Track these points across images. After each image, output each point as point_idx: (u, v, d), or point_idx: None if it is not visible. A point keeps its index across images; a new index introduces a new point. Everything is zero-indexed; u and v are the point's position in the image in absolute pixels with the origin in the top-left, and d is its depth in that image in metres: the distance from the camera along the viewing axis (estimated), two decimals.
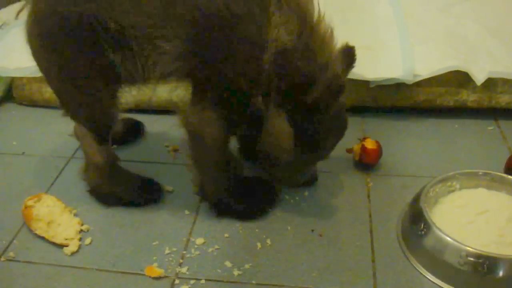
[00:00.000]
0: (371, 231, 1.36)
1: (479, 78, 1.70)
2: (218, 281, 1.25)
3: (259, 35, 1.19)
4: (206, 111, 1.29)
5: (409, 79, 1.71)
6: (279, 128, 1.30)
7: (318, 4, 1.24)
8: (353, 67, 1.32)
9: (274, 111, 1.29)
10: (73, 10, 1.22)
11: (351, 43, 1.30)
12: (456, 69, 1.71)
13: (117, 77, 1.31)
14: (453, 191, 1.40)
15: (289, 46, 1.19)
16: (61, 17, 1.24)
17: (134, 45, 1.25)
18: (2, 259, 1.34)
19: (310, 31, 1.21)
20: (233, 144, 1.55)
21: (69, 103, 1.39)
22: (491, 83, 1.73)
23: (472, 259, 1.18)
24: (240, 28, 1.19)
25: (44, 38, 1.29)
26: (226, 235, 1.37)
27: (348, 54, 1.29)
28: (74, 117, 1.42)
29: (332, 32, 1.25)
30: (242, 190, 1.43)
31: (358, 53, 1.31)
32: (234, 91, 1.26)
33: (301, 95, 1.21)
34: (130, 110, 1.81)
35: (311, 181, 1.49)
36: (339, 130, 1.32)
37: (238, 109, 1.32)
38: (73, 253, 1.34)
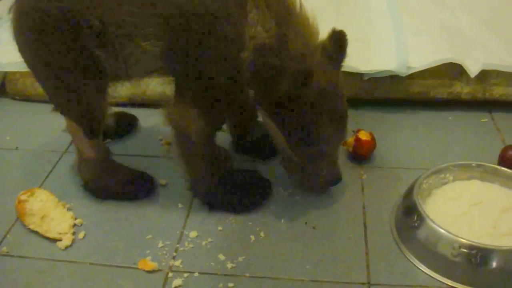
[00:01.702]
0: (364, 223, 1.37)
1: (473, 70, 1.70)
2: (211, 274, 1.25)
3: (237, 34, 1.19)
4: (189, 108, 1.29)
5: (403, 72, 1.71)
6: (268, 126, 1.31)
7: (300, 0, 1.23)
8: (344, 51, 1.26)
9: (259, 109, 1.30)
10: (55, 6, 1.22)
11: (338, 29, 1.25)
12: (450, 61, 1.71)
13: (103, 72, 1.31)
14: (446, 183, 1.40)
15: (266, 43, 1.19)
16: (43, 13, 1.23)
17: (116, 43, 1.25)
18: None
19: (287, 27, 1.20)
20: (226, 137, 1.56)
21: (57, 99, 1.39)
22: (485, 75, 1.73)
23: (465, 250, 1.18)
24: (217, 27, 1.18)
25: (28, 34, 1.29)
26: (219, 228, 1.37)
27: (337, 40, 1.24)
28: (63, 112, 1.42)
29: (312, 23, 1.23)
30: (235, 184, 1.43)
31: (352, 45, 1.29)
32: (214, 89, 1.26)
33: (271, 89, 1.20)
34: (123, 104, 1.83)
35: (334, 182, 1.41)
36: (333, 119, 1.27)
37: (220, 106, 1.32)
38: (66, 248, 1.34)
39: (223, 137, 1.48)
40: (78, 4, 1.21)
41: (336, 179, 1.39)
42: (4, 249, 1.35)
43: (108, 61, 1.28)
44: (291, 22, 1.20)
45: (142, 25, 1.21)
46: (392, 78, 1.75)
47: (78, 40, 1.24)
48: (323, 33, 1.26)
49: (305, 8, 1.23)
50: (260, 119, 1.52)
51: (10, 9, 1.31)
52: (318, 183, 1.39)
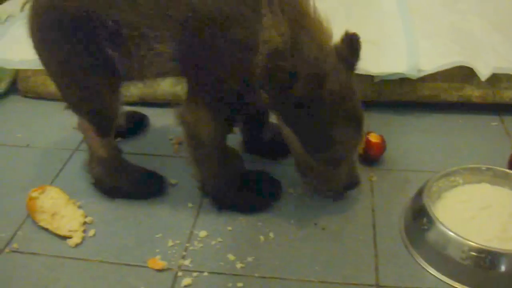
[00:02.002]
0: (374, 225, 1.37)
1: (484, 73, 1.70)
2: (220, 273, 1.26)
3: (250, 37, 1.18)
4: (201, 110, 1.29)
5: (414, 74, 1.71)
6: (284, 132, 1.30)
7: (313, 3, 1.22)
8: (358, 54, 1.26)
9: (275, 114, 1.30)
10: (71, 5, 1.23)
11: (351, 31, 1.25)
12: (460, 64, 1.71)
13: (116, 72, 1.32)
14: (456, 186, 1.40)
15: (280, 47, 1.18)
16: (59, 11, 1.24)
17: (130, 44, 1.25)
18: (6, 250, 1.35)
19: (301, 30, 1.19)
20: (237, 137, 1.56)
21: (70, 97, 1.40)
22: (495, 79, 1.73)
23: (474, 254, 1.18)
24: (230, 30, 1.18)
25: (43, 32, 1.30)
26: (229, 228, 1.37)
27: (350, 43, 1.25)
28: (76, 111, 1.43)
29: (326, 27, 1.23)
30: (245, 184, 1.43)
31: (363, 47, 1.29)
32: (226, 92, 1.26)
33: (286, 94, 1.18)
34: (134, 103, 1.83)
35: (353, 186, 1.39)
36: (349, 122, 1.24)
37: (232, 108, 1.32)
38: (77, 245, 1.35)
39: (234, 137, 1.48)
40: (93, 4, 1.22)
41: (355, 183, 1.38)
42: (15, 245, 1.36)
43: (121, 61, 1.29)
44: (305, 26, 1.20)
45: (156, 27, 1.21)
46: (403, 81, 1.75)
47: (93, 40, 1.25)
48: (335, 35, 1.26)
49: (318, 11, 1.23)
50: (271, 120, 1.54)
51: (22, 8, 1.32)
52: (336, 188, 1.37)
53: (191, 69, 1.26)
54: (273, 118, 1.53)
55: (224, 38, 1.18)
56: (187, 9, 1.18)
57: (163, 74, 1.35)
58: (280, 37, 1.18)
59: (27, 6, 1.34)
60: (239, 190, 1.41)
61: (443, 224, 1.24)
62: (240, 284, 1.23)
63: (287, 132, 1.29)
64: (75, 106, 1.41)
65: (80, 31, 1.25)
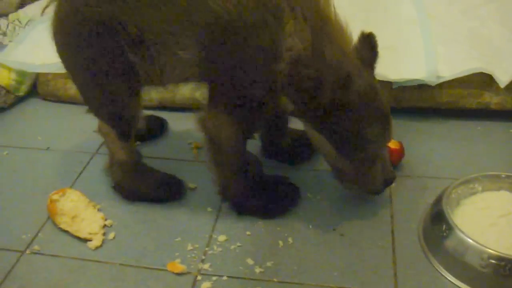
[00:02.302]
0: (392, 232, 1.37)
1: (503, 80, 1.70)
2: (240, 278, 1.26)
3: (273, 44, 1.19)
4: (222, 116, 1.30)
5: (432, 80, 1.71)
6: (315, 139, 1.32)
7: (334, 7, 1.23)
8: (376, 52, 1.28)
9: (303, 122, 1.32)
10: (95, 11, 1.24)
11: (367, 31, 1.27)
12: (479, 71, 1.71)
13: (137, 77, 1.33)
14: (475, 193, 1.39)
15: (302, 54, 1.19)
16: (84, 17, 1.26)
17: (152, 50, 1.27)
18: (28, 252, 1.36)
19: (323, 36, 1.19)
20: (256, 142, 1.56)
21: (92, 101, 1.42)
22: None
23: (494, 261, 1.18)
24: (253, 37, 1.18)
25: (67, 37, 1.32)
26: (248, 232, 1.38)
27: (368, 42, 1.27)
28: (97, 114, 1.44)
29: (346, 30, 1.24)
30: (264, 189, 1.43)
31: (381, 53, 1.30)
32: (248, 98, 1.27)
33: (314, 101, 1.19)
34: (153, 108, 1.85)
35: (390, 181, 1.38)
36: (378, 119, 1.25)
37: (253, 115, 1.32)
38: (97, 248, 1.36)
39: (253, 142, 1.48)
40: (116, 10, 1.23)
41: (392, 178, 1.38)
42: (36, 247, 1.37)
43: (143, 67, 1.30)
44: (326, 32, 1.20)
45: (179, 34, 1.22)
46: (421, 87, 1.75)
47: (115, 45, 1.26)
48: (353, 40, 1.27)
49: (339, 16, 1.24)
50: (290, 125, 1.54)
51: (42, 12, 1.33)
52: (375, 185, 1.37)
53: (213, 75, 1.26)
54: (292, 124, 1.54)
55: (247, 46, 1.19)
56: (210, 16, 1.18)
57: (185, 80, 1.36)
58: (302, 44, 1.18)
59: (48, 10, 1.36)
60: (258, 195, 1.42)
61: (462, 231, 1.23)
62: None
63: (318, 139, 1.30)
64: (96, 110, 1.43)
65: (103, 36, 1.26)
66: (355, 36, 1.27)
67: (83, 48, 1.30)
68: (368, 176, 1.34)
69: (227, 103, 1.28)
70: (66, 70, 1.40)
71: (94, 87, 1.36)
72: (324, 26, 1.20)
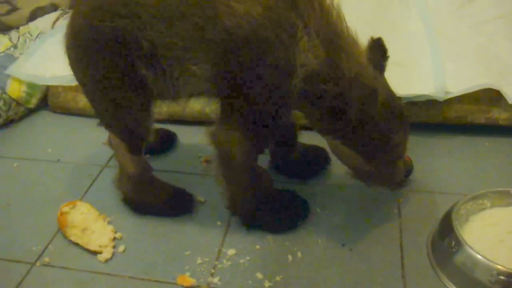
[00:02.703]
0: (401, 247, 1.37)
1: (511, 96, 1.70)
2: None
3: (287, 61, 1.19)
4: (234, 131, 1.30)
5: (441, 96, 1.71)
6: (341, 151, 1.36)
7: (345, 21, 1.25)
8: (387, 57, 1.32)
9: (327, 138, 1.36)
10: (108, 26, 1.25)
11: (375, 36, 1.32)
12: (488, 87, 1.71)
13: (149, 92, 1.33)
14: (484, 209, 1.39)
15: (316, 69, 1.20)
16: (97, 31, 1.27)
17: (165, 65, 1.27)
18: (38, 264, 1.37)
19: (337, 51, 1.21)
20: (266, 157, 1.57)
21: (104, 114, 1.42)
22: None
23: (503, 277, 1.18)
24: (267, 54, 1.19)
25: (80, 51, 1.33)
26: (257, 246, 1.39)
27: (378, 47, 1.31)
28: (108, 127, 1.45)
29: (359, 42, 1.27)
30: (273, 204, 1.44)
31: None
32: (261, 114, 1.28)
33: (340, 118, 1.24)
34: (163, 121, 1.86)
35: (408, 173, 1.49)
36: (399, 121, 1.31)
37: (265, 130, 1.33)
38: (106, 260, 1.37)
39: (262, 157, 1.49)
40: (129, 25, 1.24)
41: (410, 170, 1.49)
42: (46, 259, 1.38)
43: (155, 81, 1.30)
44: (341, 46, 1.22)
45: (192, 49, 1.23)
46: (429, 103, 1.75)
47: (128, 60, 1.27)
48: None
49: (351, 29, 1.26)
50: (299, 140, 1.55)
51: (53, 24, 1.34)
52: (398, 181, 1.43)
53: (226, 91, 1.27)
54: (301, 139, 1.55)
55: (261, 62, 1.19)
56: (223, 33, 1.19)
57: (197, 95, 1.36)
58: (316, 59, 1.19)
59: (58, 23, 1.37)
60: (268, 210, 1.42)
61: (471, 247, 1.24)
62: None
63: (345, 153, 1.34)
64: (107, 123, 1.44)
65: (116, 50, 1.27)
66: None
67: (96, 62, 1.31)
68: (393, 173, 1.39)
69: (239, 119, 1.29)
70: (79, 83, 1.41)
71: (106, 101, 1.37)
72: (338, 40, 1.22)
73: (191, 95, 1.36)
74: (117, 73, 1.30)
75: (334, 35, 1.21)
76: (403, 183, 1.46)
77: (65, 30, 1.34)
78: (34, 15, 2.31)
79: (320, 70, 1.20)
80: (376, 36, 1.91)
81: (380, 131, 1.27)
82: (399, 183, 1.44)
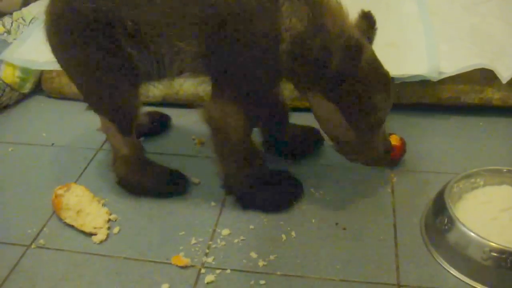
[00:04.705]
0: (394, 226, 1.38)
1: (505, 76, 1.70)
2: (243, 271, 1.28)
3: (272, 27, 1.20)
4: (227, 105, 1.31)
5: (434, 76, 1.71)
6: (323, 110, 1.31)
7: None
8: (375, 28, 1.32)
9: (311, 97, 1.31)
10: (89, 7, 1.25)
11: (366, 10, 1.32)
12: (481, 67, 1.71)
13: (135, 71, 1.33)
14: (477, 187, 1.40)
15: (303, 31, 1.20)
16: (77, 13, 1.26)
17: (150, 43, 1.27)
18: (33, 246, 1.38)
19: (321, 12, 1.21)
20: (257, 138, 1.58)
21: (91, 97, 1.43)
22: None
23: (495, 254, 1.19)
24: (252, 23, 1.20)
25: (62, 35, 1.33)
26: (251, 226, 1.39)
27: (367, 19, 1.31)
28: (96, 110, 1.45)
29: (343, 7, 1.26)
30: (267, 183, 1.44)
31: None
32: (253, 84, 1.28)
33: (324, 70, 1.22)
34: (157, 104, 1.86)
35: (389, 150, 1.42)
36: (382, 85, 1.28)
37: (259, 100, 1.33)
38: (101, 242, 1.38)
39: (254, 138, 1.50)
40: (110, 4, 1.23)
41: (390, 147, 1.41)
42: (41, 241, 1.39)
43: (141, 60, 1.30)
44: (324, 8, 1.22)
45: (177, 25, 1.23)
46: (423, 83, 1.76)
47: (111, 40, 1.27)
48: None
49: None
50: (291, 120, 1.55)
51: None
52: (378, 155, 1.39)
53: (216, 65, 1.27)
54: (293, 119, 1.55)
55: (248, 33, 1.20)
56: (207, 6, 1.19)
57: (184, 73, 1.36)
58: (300, 21, 1.20)
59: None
60: (262, 189, 1.43)
61: (464, 225, 1.24)
62: (262, 282, 1.24)
63: (326, 110, 1.30)
64: (95, 105, 1.44)
65: (99, 31, 1.27)
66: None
67: (79, 45, 1.30)
68: (372, 144, 1.36)
69: (231, 92, 1.29)
70: (63, 69, 1.41)
71: (93, 83, 1.37)
72: (322, 3, 1.23)
73: (178, 74, 1.36)
74: (102, 54, 1.30)
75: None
76: (385, 160, 1.43)
77: (44, 17, 1.34)
78: (27, 1, 2.31)
79: (306, 31, 1.20)
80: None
81: (362, 87, 1.24)
82: (381, 159, 1.41)
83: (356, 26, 1.28)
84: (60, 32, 1.32)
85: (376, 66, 1.27)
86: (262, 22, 1.20)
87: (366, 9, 1.32)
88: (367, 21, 1.31)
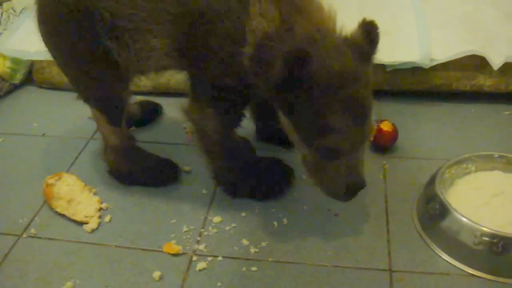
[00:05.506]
0: (386, 212, 1.38)
1: (496, 62, 1.70)
2: (235, 258, 1.28)
3: (237, 30, 1.15)
4: (205, 107, 1.30)
5: (426, 63, 1.71)
6: (282, 118, 1.21)
7: None
8: (375, 44, 1.16)
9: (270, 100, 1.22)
10: None
11: (369, 19, 1.15)
12: (473, 53, 1.71)
13: (116, 64, 1.32)
14: (468, 173, 1.40)
15: (268, 32, 1.13)
16: (61, 4, 1.27)
17: (127, 37, 1.26)
18: (24, 235, 1.37)
19: (294, 13, 1.13)
20: (250, 125, 1.58)
21: (79, 87, 1.43)
22: (508, 68, 1.72)
23: (487, 239, 1.19)
24: (219, 25, 1.16)
25: (48, 25, 1.33)
26: (243, 214, 1.39)
27: (367, 32, 1.14)
28: (85, 100, 1.45)
29: (325, 8, 1.16)
30: (258, 172, 1.44)
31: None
32: (223, 89, 1.26)
33: (270, 75, 1.10)
34: (148, 93, 1.85)
35: (354, 188, 1.22)
36: (349, 109, 1.10)
37: (233, 104, 1.31)
38: (93, 230, 1.37)
39: (247, 125, 1.49)
40: None
41: (356, 186, 1.21)
42: (33, 231, 1.38)
43: (120, 53, 1.29)
44: (299, 8, 1.14)
45: (151, 21, 1.22)
46: (415, 70, 1.76)
47: (92, 31, 1.27)
48: (347, 24, 1.18)
49: None
50: None
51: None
52: (338, 187, 1.21)
53: (188, 66, 1.27)
54: None
55: (214, 34, 1.17)
56: (179, 4, 1.18)
57: (163, 68, 1.36)
58: (268, 23, 1.13)
59: None
60: (252, 178, 1.42)
61: (455, 210, 1.24)
62: (254, 268, 1.24)
63: (283, 120, 1.20)
64: (84, 96, 1.44)
65: (80, 23, 1.27)
66: (348, 22, 1.17)
67: (63, 35, 1.31)
68: (328, 173, 1.20)
69: (206, 96, 1.28)
70: (52, 57, 1.41)
71: (79, 74, 1.37)
72: (297, 3, 1.14)
73: (156, 68, 1.36)
74: (85, 45, 1.30)
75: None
76: (339, 196, 1.23)
77: (34, 6, 1.34)
78: None
79: (271, 32, 1.12)
80: (363, 9, 1.93)
81: (310, 103, 1.10)
82: (340, 194, 1.23)
83: (351, 36, 1.14)
84: (46, 21, 1.33)
85: (345, 83, 1.09)
86: (228, 24, 1.16)
87: (368, 18, 1.16)
88: (368, 34, 1.15)
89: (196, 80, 1.29)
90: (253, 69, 1.16)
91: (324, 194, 1.26)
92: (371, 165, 1.51)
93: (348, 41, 1.14)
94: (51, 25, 1.32)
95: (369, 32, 1.15)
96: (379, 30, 1.15)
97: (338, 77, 1.09)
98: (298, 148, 1.24)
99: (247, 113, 1.47)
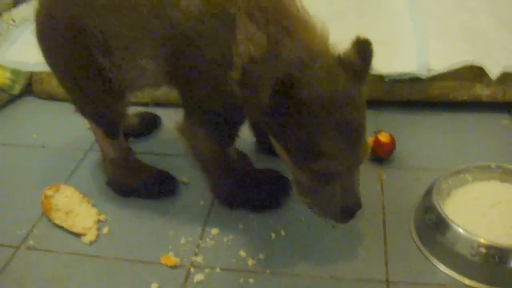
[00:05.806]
0: (384, 223, 1.38)
1: (494, 72, 1.70)
2: (232, 270, 1.27)
3: (225, 55, 1.14)
4: (197, 127, 1.30)
5: (424, 74, 1.72)
6: (273, 143, 1.20)
7: (300, 2, 1.16)
8: (368, 63, 1.13)
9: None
10: (66, 15, 1.26)
11: (363, 36, 1.13)
12: (470, 63, 1.72)
13: (110, 81, 1.33)
14: (465, 183, 1.40)
15: (254, 56, 1.11)
16: (55, 20, 1.28)
17: (117, 56, 1.27)
18: (22, 247, 1.37)
19: (282, 34, 1.11)
20: (249, 136, 1.58)
21: (76, 101, 1.43)
22: (505, 78, 1.72)
23: (484, 250, 1.19)
24: (206, 50, 1.15)
25: (45, 40, 1.35)
26: (240, 225, 1.39)
27: (361, 50, 1.12)
28: (82, 113, 1.46)
29: (316, 27, 1.14)
30: (255, 183, 1.44)
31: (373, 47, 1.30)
32: (212, 112, 1.26)
33: (257, 100, 1.11)
34: (147, 104, 1.86)
35: (350, 209, 1.19)
36: (343, 133, 1.08)
37: (225, 126, 1.31)
38: (91, 242, 1.37)
39: (246, 136, 1.50)
40: (82, 13, 1.24)
41: (353, 207, 1.19)
42: (31, 242, 1.38)
43: (112, 71, 1.30)
44: (288, 30, 1.11)
45: (139, 41, 1.23)
46: (413, 80, 1.76)
47: (86, 48, 1.27)
48: (345, 35, 1.16)
49: (306, 12, 1.16)
50: None
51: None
52: (334, 210, 1.19)
53: (177, 87, 1.27)
54: None
55: (200, 58, 1.17)
56: (167, 26, 1.18)
57: (156, 86, 1.36)
58: (254, 46, 1.11)
59: None
60: (249, 190, 1.42)
61: (453, 221, 1.24)
62: (251, 280, 1.24)
63: (274, 144, 1.18)
64: (81, 109, 1.44)
65: (74, 39, 1.28)
66: (346, 32, 1.15)
67: (59, 50, 1.32)
68: (322, 196, 1.18)
69: (198, 117, 1.28)
70: (51, 71, 1.43)
71: (75, 88, 1.38)
72: (285, 22, 1.12)
73: (149, 86, 1.37)
74: (79, 61, 1.31)
75: (281, 18, 1.12)
76: (336, 218, 1.21)
77: (34, 22, 1.36)
78: (17, 2, 2.30)
79: (257, 56, 1.11)
80: (360, 19, 1.94)
81: (301, 127, 1.08)
82: (332, 216, 1.21)
83: (344, 54, 1.12)
84: (44, 36, 1.35)
85: (337, 106, 1.07)
86: (213, 48, 1.15)
87: (362, 37, 1.13)
88: (361, 52, 1.12)
89: (186, 101, 1.30)
90: (242, 94, 1.15)
91: (318, 216, 1.25)
92: (368, 175, 1.51)
93: (341, 61, 1.12)
94: (48, 41, 1.34)
95: (363, 50, 1.12)
96: (373, 48, 1.12)
97: (329, 101, 1.07)
98: (290, 171, 1.22)
99: (246, 124, 1.48)
